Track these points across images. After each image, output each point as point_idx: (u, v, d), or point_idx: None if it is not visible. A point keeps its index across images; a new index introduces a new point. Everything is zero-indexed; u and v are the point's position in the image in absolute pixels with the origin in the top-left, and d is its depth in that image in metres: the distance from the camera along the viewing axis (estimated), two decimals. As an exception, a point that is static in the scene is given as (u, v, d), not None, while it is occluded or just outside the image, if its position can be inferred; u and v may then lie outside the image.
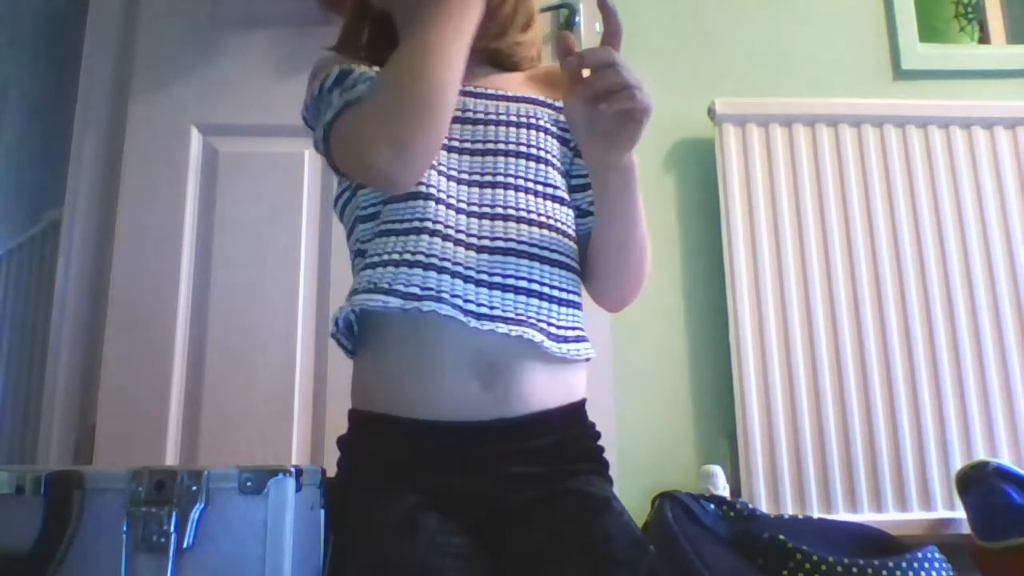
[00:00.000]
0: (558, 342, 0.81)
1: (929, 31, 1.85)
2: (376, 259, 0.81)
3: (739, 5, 1.81)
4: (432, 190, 0.82)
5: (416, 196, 0.81)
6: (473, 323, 0.77)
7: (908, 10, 1.82)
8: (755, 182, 1.61)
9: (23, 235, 2.08)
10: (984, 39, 1.96)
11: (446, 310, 0.76)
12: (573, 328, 0.85)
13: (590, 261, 0.90)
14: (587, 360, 0.87)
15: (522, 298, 0.80)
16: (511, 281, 0.80)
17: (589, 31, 1.58)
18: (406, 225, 0.81)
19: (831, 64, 1.78)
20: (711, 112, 1.64)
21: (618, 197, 0.83)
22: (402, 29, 0.93)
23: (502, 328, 0.77)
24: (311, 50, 1.54)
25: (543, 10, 1.57)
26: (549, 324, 0.81)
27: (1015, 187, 1.64)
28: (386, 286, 0.78)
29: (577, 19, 1.58)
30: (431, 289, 0.77)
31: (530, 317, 0.80)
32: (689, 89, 1.68)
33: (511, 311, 0.79)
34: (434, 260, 0.79)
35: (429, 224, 0.80)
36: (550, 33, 1.59)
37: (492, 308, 0.78)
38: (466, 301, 0.78)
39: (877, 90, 1.77)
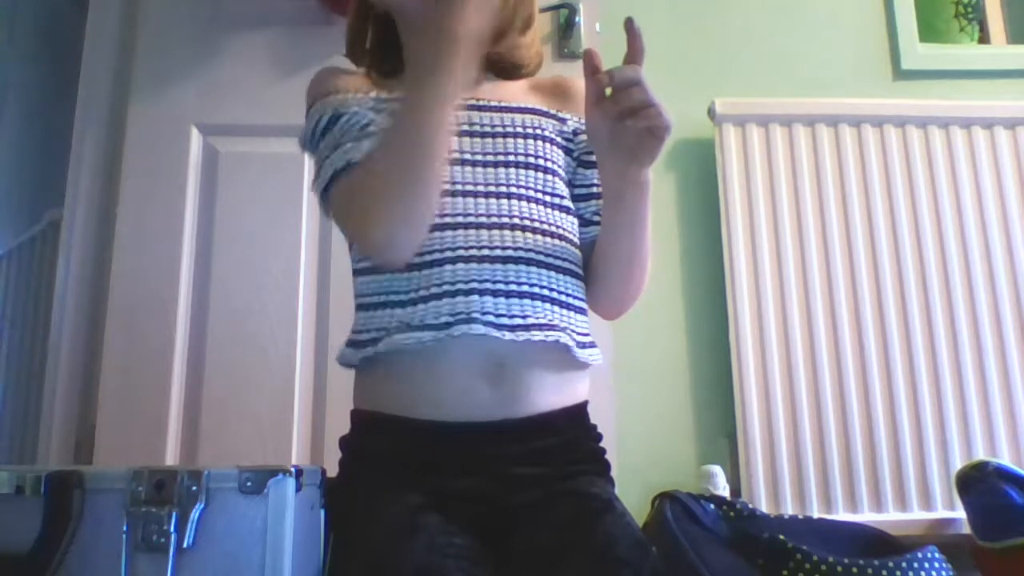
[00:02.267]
0: (579, 348, 0.82)
1: (929, 31, 1.85)
2: (405, 297, 0.81)
3: (739, 5, 1.81)
4: (447, 218, 0.82)
5: (431, 229, 0.81)
6: (508, 336, 0.77)
7: (908, 10, 1.82)
8: (755, 182, 1.60)
9: (23, 235, 2.08)
10: (984, 39, 1.96)
11: (477, 329, 0.77)
12: (587, 334, 0.86)
13: (593, 270, 0.91)
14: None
15: (547, 305, 0.82)
16: (536, 290, 0.81)
17: (589, 31, 1.58)
18: (427, 258, 0.81)
19: (831, 64, 1.78)
20: (711, 112, 1.64)
21: (631, 211, 0.84)
22: (404, 34, 0.93)
23: (538, 335, 0.78)
24: (311, 50, 1.57)
25: (543, 10, 1.57)
26: (571, 330, 0.83)
27: (1015, 187, 1.64)
28: (418, 323, 0.79)
29: (577, 19, 1.58)
30: (461, 313, 0.78)
31: (559, 323, 0.81)
32: (689, 89, 1.68)
33: (543, 318, 0.80)
34: (460, 285, 0.79)
35: (450, 253, 0.81)
36: (550, 33, 1.59)
37: (525, 317, 0.79)
38: (497, 315, 0.78)
39: (877, 90, 1.76)
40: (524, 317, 0.79)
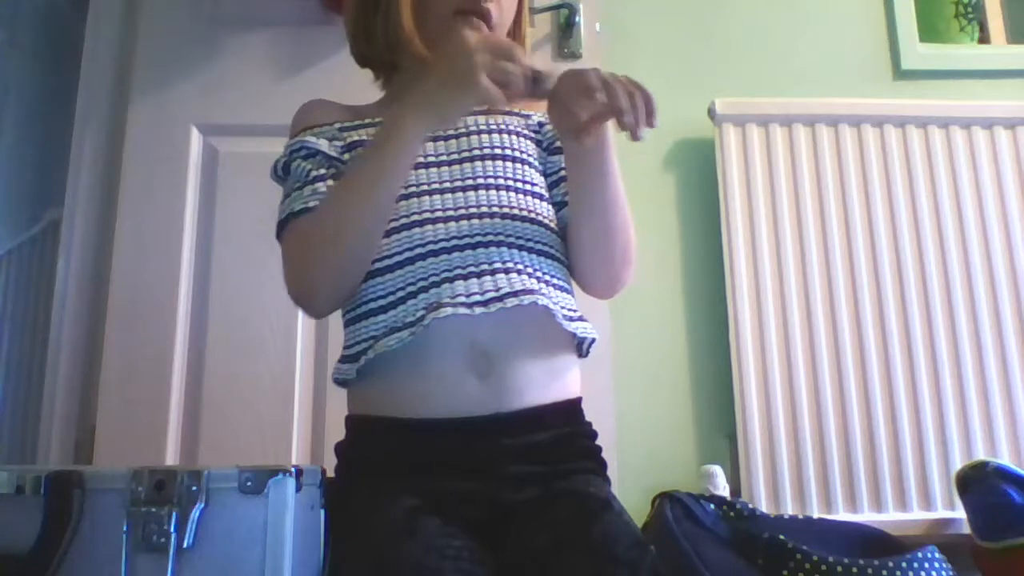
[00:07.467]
0: (566, 320, 0.82)
1: (929, 31, 1.85)
2: (384, 301, 0.82)
3: (739, 5, 1.81)
4: (415, 216, 0.84)
5: (400, 229, 0.83)
6: (479, 310, 0.78)
7: (908, 10, 1.81)
8: (755, 182, 1.60)
9: (23, 235, 2.08)
10: (984, 39, 1.96)
11: (446, 312, 0.77)
12: (573, 309, 0.86)
13: (572, 242, 0.90)
14: (590, 344, 0.87)
15: (524, 277, 0.81)
16: (510, 265, 0.82)
17: (589, 31, 1.58)
18: (397, 258, 0.83)
19: (831, 64, 1.78)
20: (711, 112, 1.64)
21: (593, 156, 0.83)
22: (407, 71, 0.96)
23: (512, 301, 0.78)
24: (311, 50, 1.57)
25: (543, 10, 1.57)
26: (553, 300, 0.82)
27: (1015, 187, 1.64)
28: (400, 324, 0.79)
29: (577, 19, 1.58)
30: (432, 303, 0.79)
31: (537, 289, 0.81)
32: (689, 89, 1.68)
33: (519, 286, 0.80)
34: (433, 278, 0.80)
35: (420, 249, 0.82)
36: (550, 33, 1.59)
37: (499, 289, 0.79)
38: (469, 295, 0.79)
39: (877, 90, 1.76)
40: (498, 290, 0.79)
